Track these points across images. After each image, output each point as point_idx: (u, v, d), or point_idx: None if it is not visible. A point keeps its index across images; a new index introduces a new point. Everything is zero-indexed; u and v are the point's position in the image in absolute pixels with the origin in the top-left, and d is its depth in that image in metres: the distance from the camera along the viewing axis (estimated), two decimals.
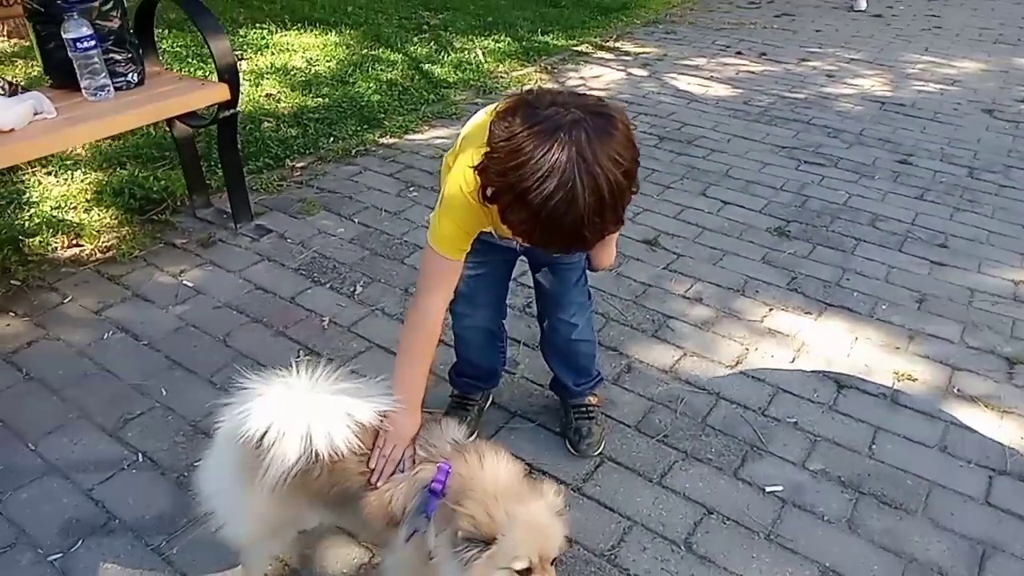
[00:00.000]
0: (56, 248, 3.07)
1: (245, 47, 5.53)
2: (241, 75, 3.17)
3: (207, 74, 4.24)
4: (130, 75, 2.70)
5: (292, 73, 5.15)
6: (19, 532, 1.88)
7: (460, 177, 1.57)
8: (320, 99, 4.76)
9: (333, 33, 6.05)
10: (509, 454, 1.52)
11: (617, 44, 6.41)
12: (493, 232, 1.75)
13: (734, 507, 2.05)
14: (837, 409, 2.41)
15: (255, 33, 5.89)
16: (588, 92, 1.54)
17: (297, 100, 4.72)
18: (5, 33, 5.42)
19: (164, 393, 2.35)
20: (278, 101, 4.70)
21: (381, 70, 5.31)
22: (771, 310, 2.89)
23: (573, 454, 2.19)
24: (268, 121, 4.40)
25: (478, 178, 1.43)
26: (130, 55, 2.70)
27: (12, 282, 2.85)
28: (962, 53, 6.40)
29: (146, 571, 1.80)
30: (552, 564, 1.40)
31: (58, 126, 2.40)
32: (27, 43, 4.90)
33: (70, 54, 2.50)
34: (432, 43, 6.00)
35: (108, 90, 2.60)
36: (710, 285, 3.03)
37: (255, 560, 1.72)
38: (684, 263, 3.18)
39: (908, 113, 4.99)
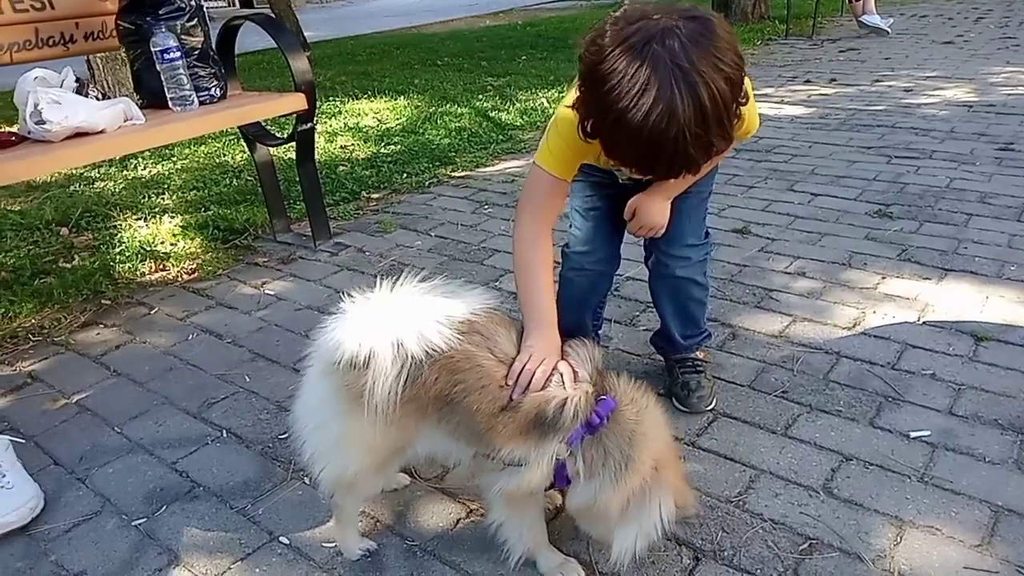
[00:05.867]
0: (144, 273, 3.12)
1: (319, 115, 5.76)
2: (315, 134, 3.26)
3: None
4: (213, 89, 2.79)
5: (364, 130, 5.32)
6: (104, 501, 1.79)
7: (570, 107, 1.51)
8: (392, 147, 4.86)
9: (402, 99, 6.26)
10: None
11: None
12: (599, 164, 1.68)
13: (876, 453, 1.79)
14: (979, 360, 2.13)
15: (327, 104, 6.15)
16: None
17: (370, 149, 4.83)
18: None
19: (248, 380, 2.28)
20: (352, 151, 4.82)
21: (449, 120, 5.43)
22: (884, 278, 2.65)
23: (683, 411, 1.98)
24: (344, 166, 4.50)
25: (576, 114, 1.37)
26: (213, 71, 2.79)
27: (103, 302, 2.89)
28: None
29: (231, 532, 1.67)
30: None
31: (146, 128, 2.46)
32: None
33: (158, 66, 2.60)
34: (497, 98, 6.14)
35: (192, 100, 2.68)
36: (811, 261, 2.82)
37: (350, 509, 1.56)
38: (779, 245, 2.99)
39: (1000, 112, 4.74)
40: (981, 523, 1.57)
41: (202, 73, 2.76)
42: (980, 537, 1.53)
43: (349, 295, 1.40)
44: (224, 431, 2.03)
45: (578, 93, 1.34)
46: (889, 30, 8.01)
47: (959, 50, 7.02)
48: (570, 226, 1.94)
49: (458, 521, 1.67)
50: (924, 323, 2.34)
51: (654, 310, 2.10)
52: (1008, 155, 3.87)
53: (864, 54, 7.16)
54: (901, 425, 1.88)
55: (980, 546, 1.51)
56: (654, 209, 1.76)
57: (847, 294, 2.56)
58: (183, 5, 2.68)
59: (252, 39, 4.32)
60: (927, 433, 1.85)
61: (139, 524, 1.71)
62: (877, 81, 5.92)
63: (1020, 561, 1.47)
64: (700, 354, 2.08)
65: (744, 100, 1.30)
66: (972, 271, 2.65)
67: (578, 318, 2.04)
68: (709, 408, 1.98)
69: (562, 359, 1.40)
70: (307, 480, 1.80)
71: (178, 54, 2.60)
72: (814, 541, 1.54)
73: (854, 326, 2.36)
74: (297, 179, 3.35)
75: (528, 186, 1.62)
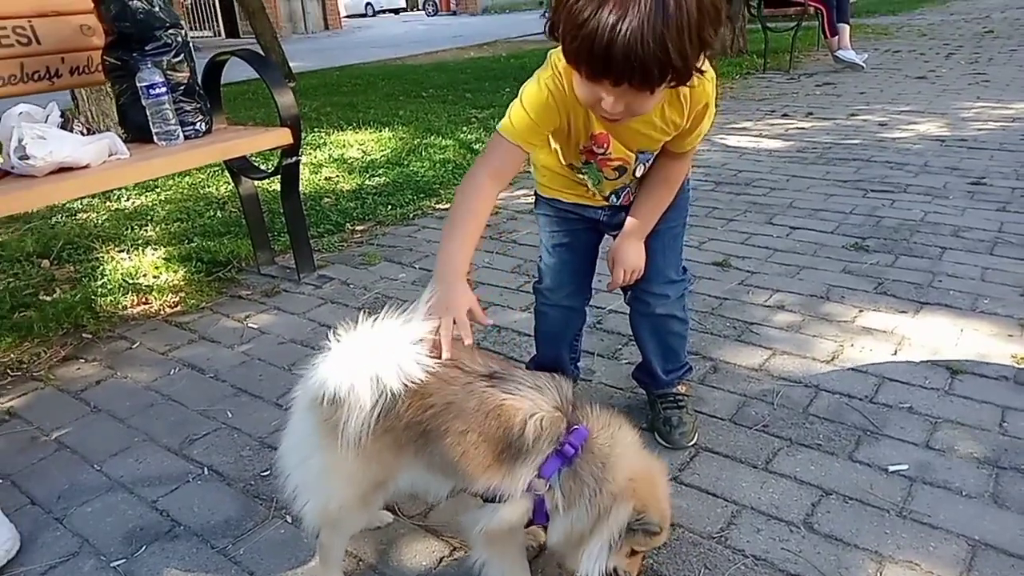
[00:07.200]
0: (126, 307, 3.11)
1: (304, 146, 5.78)
2: (300, 166, 3.28)
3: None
4: (198, 124, 2.80)
5: (349, 162, 5.35)
6: (82, 542, 1.77)
7: (536, 75, 1.55)
8: (377, 179, 4.89)
9: (387, 130, 6.31)
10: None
11: None
12: (571, 132, 1.63)
13: (855, 487, 1.81)
14: (954, 393, 2.17)
15: (312, 135, 6.19)
16: None
17: (355, 181, 4.86)
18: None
19: (230, 416, 2.27)
20: (337, 183, 4.84)
21: (434, 152, 5.47)
22: (861, 311, 2.69)
23: (665, 446, 2.00)
24: (328, 198, 4.52)
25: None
26: (199, 105, 2.81)
27: (84, 335, 2.87)
28: (1017, 98, 6.30)
29: (211, 572, 1.65)
30: None
31: (130, 162, 2.47)
32: None
33: (143, 101, 2.62)
34: (481, 130, 6.20)
35: (177, 135, 2.69)
36: (791, 294, 2.87)
37: (336, 549, 1.55)
38: (759, 278, 3.04)
39: (972, 147, 4.85)
40: (959, 558, 1.59)
41: (187, 108, 2.78)
42: (958, 572, 1.55)
43: (336, 331, 1.40)
44: (205, 468, 2.02)
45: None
46: (864, 65, 8.20)
47: (931, 85, 7.20)
48: (540, 260, 1.98)
49: (441, 559, 1.66)
50: (900, 356, 2.38)
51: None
52: (980, 189, 3.97)
53: (840, 88, 7.33)
54: (879, 459, 1.91)
55: None
56: (631, 251, 1.80)
57: (825, 327, 2.60)
58: (169, 41, 2.71)
59: (237, 70, 4.34)
60: (905, 467, 1.87)
61: (118, 565, 1.69)
62: (853, 115, 6.05)
63: None
64: (682, 388, 2.10)
65: (712, 38, 1.26)
66: (947, 304, 2.70)
67: (555, 352, 2.07)
68: (691, 444, 1.99)
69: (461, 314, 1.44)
70: (289, 519, 1.79)
71: (164, 89, 2.62)
72: None
73: (832, 359, 2.39)
74: (281, 211, 3.37)
75: (486, 150, 1.62)
